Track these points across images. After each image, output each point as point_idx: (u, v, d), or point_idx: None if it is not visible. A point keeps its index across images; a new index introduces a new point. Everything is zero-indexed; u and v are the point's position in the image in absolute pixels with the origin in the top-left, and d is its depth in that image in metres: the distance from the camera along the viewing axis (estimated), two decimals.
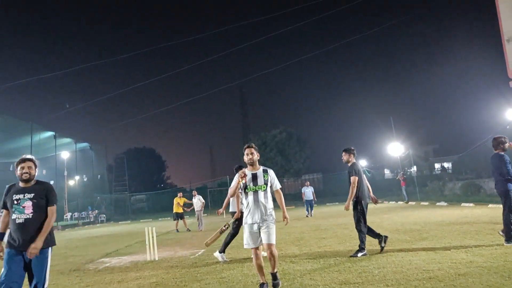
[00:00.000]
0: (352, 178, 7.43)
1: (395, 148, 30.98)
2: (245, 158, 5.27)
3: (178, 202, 17.41)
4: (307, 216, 19.41)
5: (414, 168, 34.98)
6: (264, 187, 5.06)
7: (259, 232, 4.91)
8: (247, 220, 5.02)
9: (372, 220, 14.07)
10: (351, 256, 6.93)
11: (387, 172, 52.05)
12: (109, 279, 6.71)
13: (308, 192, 20.24)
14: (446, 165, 47.26)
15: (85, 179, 53.19)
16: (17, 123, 26.76)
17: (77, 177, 46.07)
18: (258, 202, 5.00)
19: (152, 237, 8.76)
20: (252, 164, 5.28)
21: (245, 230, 4.98)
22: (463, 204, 18.38)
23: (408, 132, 37.53)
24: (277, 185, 5.26)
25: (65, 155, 38.53)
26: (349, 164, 7.78)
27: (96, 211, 41.99)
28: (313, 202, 20.42)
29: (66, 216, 40.44)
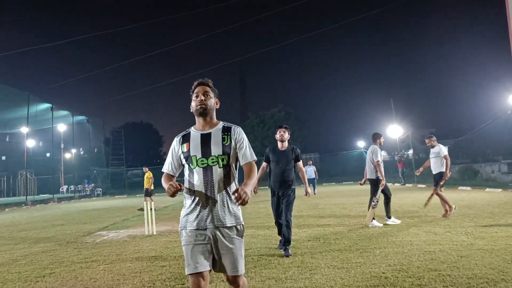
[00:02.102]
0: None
1: (394, 130, 30.92)
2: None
3: (151, 177, 15.76)
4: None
5: (411, 151, 34.99)
6: (224, 159, 2.73)
7: (211, 247, 2.70)
8: (186, 223, 2.73)
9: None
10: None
11: (384, 154, 52.12)
12: (107, 252, 6.65)
13: (310, 170, 20.22)
14: None
15: (82, 152, 53.09)
16: (14, 92, 26.38)
17: (73, 150, 45.88)
18: (211, 188, 2.69)
19: (151, 209, 8.70)
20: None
21: (183, 242, 2.74)
22: (460, 187, 18.44)
23: (407, 115, 37.46)
24: (249, 156, 2.84)
25: (62, 127, 38.31)
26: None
27: (93, 184, 42.04)
28: (315, 180, 20.43)
29: (62, 189, 40.49)
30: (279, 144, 6.26)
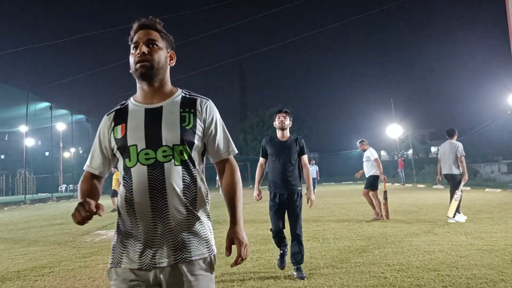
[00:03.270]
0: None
1: (394, 130, 30.93)
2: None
3: (117, 178, 15.87)
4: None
5: (411, 151, 35.02)
6: (183, 151, 1.69)
7: None
8: (121, 258, 1.67)
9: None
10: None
11: (384, 153, 52.13)
12: (106, 251, 6.64)
13: (312, 170, 20.23)
14: None
15: (81, 151, 53.03)
16: (13, 91, 26.33)
17: (72, 149, 45.84)
18: (161, 199, 1.63)
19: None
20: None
21: None
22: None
23: (407, 115, 37.52)
24: (226, 148, 1.85)
25: (61, 126, 38.25)
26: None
27: None
28: (315, 180, 20.42)
29: (61, 188, 40.50)
30: (279, 133, 4.97)
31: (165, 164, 1.64)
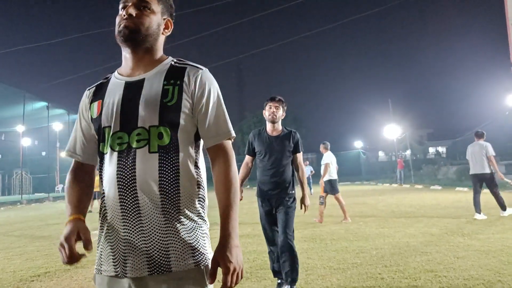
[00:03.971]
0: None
1: (392, 131, 30.98)
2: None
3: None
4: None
5: (409, 152, 35.09)
6: (162, 134, 1.34)
7: None
8: (100, 263, 1.43)
9: (366, 201, 14.11)
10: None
11: (381, 154, 52.23)
12: None
13: (307, 171, 20.28)
14: (440, 149, 47.48)
15: None
16: (10, 90, 26.27)
17: None
18: (131, 195, 1.32)
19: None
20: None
21: None
22: (457, 188, 18.46)
23: (405, 115, 37.57)
24: (222, 128, 1.43)
25: (57, 126, 38.16)
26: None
27: None
28: (310, 180, 20.41)
29: (58, 188, 40.37)
30: (269, 126, 4.15)
31: (137, 150, 1.32)
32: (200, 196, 1.41)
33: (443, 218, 8.63)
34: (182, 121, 1.37)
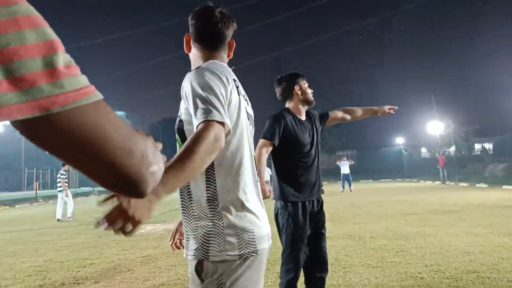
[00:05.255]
0: None
1: (435, 127, 30.10)
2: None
3: None
4: (342, 192, 19.35)
5: (453, 148, 33.94)
6: (179, 142, 1.64)
7: None
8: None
9: (407, 199, 13.81)
10: None
11: (424, 151, 50.79)
12: (144, 245, 6.82)
13: (345, 165, 19.99)
14: (487, 146, 45.68)
15: None
16: None
17: None
18: None
19: None
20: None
21: None
22: (504, 186, 17.73)
23: (449, 111, 36.38)
24: (198, 115, 1.35)
25: None
26: None
27: None
28: (350, 176, 20.08)
29: None
30: (301, 109, 3.27)
31: None
32: (208, 196, 1.46)
33: (488, 217, 8.31)
34: (185, 126, 1.53)
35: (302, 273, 3.25)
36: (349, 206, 11.94)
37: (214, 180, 1.47)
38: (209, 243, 1.43)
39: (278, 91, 3.34)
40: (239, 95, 1.56)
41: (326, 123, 3.48)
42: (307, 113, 3.35)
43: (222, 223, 1.44)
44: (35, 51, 0.46)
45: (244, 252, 1.42)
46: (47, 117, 0.47)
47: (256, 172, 1.61)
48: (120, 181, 0.59)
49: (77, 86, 0.50)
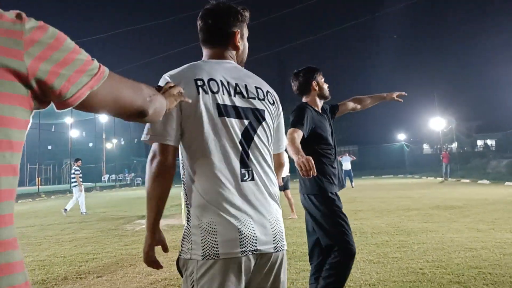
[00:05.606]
0: None
1: (437, 123, 30.04)
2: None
3: None
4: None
5: (455, 144, 33.89)
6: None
7: None
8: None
9: (410, 195, 13.81)
10: None
11: (426, 147, 50.75)
12: None
13: (347, 161, 19.78)
14: (489, 142, 45.59)
15: (123, 143, 54.63)
16: None
17: (114, 140, 47.32)
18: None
19: None
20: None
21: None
22: (507, 183, 17.70)
23: (452, 107, 36.27)
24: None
25: (103, 118, 39.54)
26: None
27: (133, 174, 43.29)
28: (351, 172, 19.94)
29: (104, 178, 41.92)
30: (318, 102, 3.30)
31: None
32: (185, 199, 1.58)
33: (490, 213, 8.31)
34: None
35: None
36: (351, 202, 11.93)
37: (185, 183, 1.56)
38: (183, 242, 1.52)
39: (295, 85, 3.33)
40: (206, 93, 1.52)
41: (336, 115, 3.51)
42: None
43: (191, 223, 1.50)
44: (77, 54, 0.87)
45: (206, 253, 1.44)
46: (94, 91, 0.89)
47: (252, 170, 1.55)
48: (136, 112, 1.08)
49: (97, 68, 0.90)
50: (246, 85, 1.62)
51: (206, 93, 1.52)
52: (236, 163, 1.52)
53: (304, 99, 3.28)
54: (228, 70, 1.63)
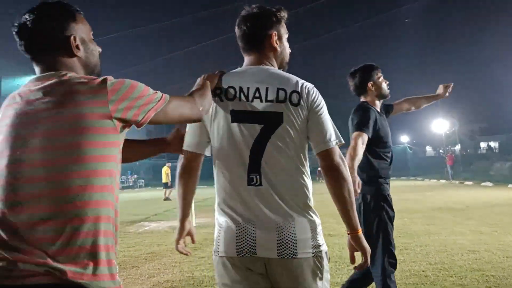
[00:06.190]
0: None
1: (440, 125, 29.99)
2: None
3: (168, 173, 18.75)
4: None
5: (458, 147, 33.82)
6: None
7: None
8: None
9: (412, 197, 13.78)
10: None
11: (429, 149, 50.67)
12: (149, 241, 6.85)
13: None
14: (492, 144, 45.49)
15: None
16: None
17: None
18: None
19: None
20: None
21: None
22: (510, 185, 17.64)
23: (455, 109, 36.19)
24: None
25: None
26: None
27: (135, 176, 43.31)
28: None
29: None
30: (378, 103, 3.18)
31: None
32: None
33: (493, 216, 8.28)
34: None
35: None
36: None
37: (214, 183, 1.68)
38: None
39: (351, 86, 3.24)
40: (221, 101, 1.61)
41: (390, 115, 3.42)
42: None
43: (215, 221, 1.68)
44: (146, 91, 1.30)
45: (214, 248, 1.63)
46: (158, 112, 1.30)
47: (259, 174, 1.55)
48: (193, 121, 1.53)
49: (159, 97, 1.32)
50: (267, 88, 1.58)
51: (222, 100, 1.61)
52: (243, 168, 1.55)
53: (362, 99, 3.17)
54: (251, 75, 1.64)
